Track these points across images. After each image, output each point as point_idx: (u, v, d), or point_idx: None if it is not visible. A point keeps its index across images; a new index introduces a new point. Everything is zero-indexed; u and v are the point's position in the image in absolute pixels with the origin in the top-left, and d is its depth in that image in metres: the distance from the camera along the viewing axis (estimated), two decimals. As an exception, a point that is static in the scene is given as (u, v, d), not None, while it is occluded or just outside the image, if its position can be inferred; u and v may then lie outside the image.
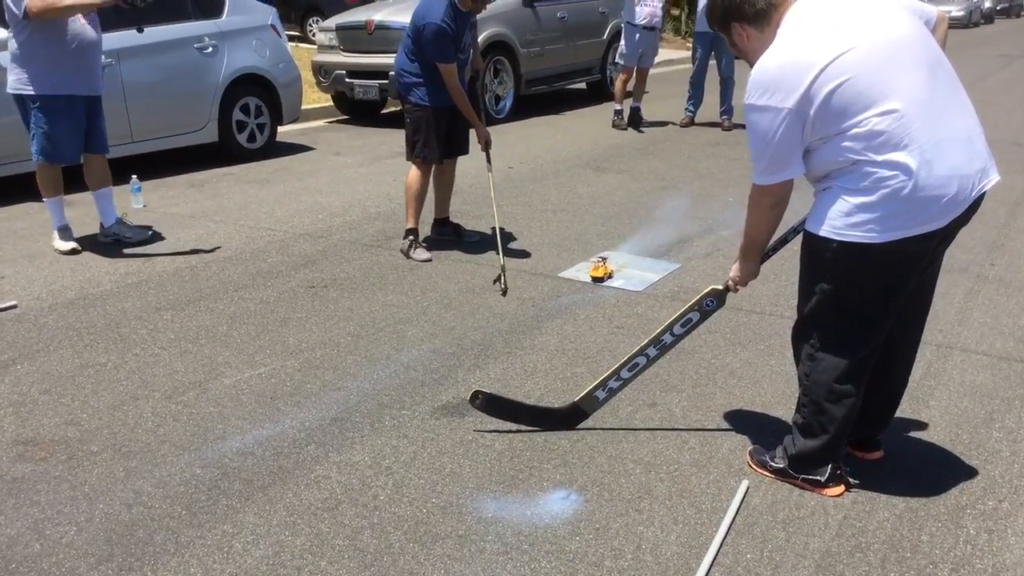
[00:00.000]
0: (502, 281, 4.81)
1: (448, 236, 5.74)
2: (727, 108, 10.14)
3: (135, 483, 2.95)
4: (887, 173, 2.44)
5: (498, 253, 5.08)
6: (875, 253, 2.53)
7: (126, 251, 5.47)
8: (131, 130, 7.27)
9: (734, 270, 3.02)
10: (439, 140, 5.26)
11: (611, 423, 3.38)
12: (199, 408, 3.46)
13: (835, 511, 2.83)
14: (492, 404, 3.32)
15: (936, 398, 3.61)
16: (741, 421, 3.41)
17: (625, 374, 3.31)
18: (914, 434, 3.32)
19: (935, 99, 2.47)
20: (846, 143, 2.47)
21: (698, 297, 3.17)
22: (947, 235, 2.63)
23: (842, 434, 2.84)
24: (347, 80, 10.08)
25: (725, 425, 3.38)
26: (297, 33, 17.83)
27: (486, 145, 5.37)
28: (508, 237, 5.75)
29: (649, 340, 3.25)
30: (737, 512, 2.81)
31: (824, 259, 2.64)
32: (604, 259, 5.07)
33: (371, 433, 3.28)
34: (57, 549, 2.61)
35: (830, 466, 2.89)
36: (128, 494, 2.88)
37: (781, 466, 2.99)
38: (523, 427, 3.32)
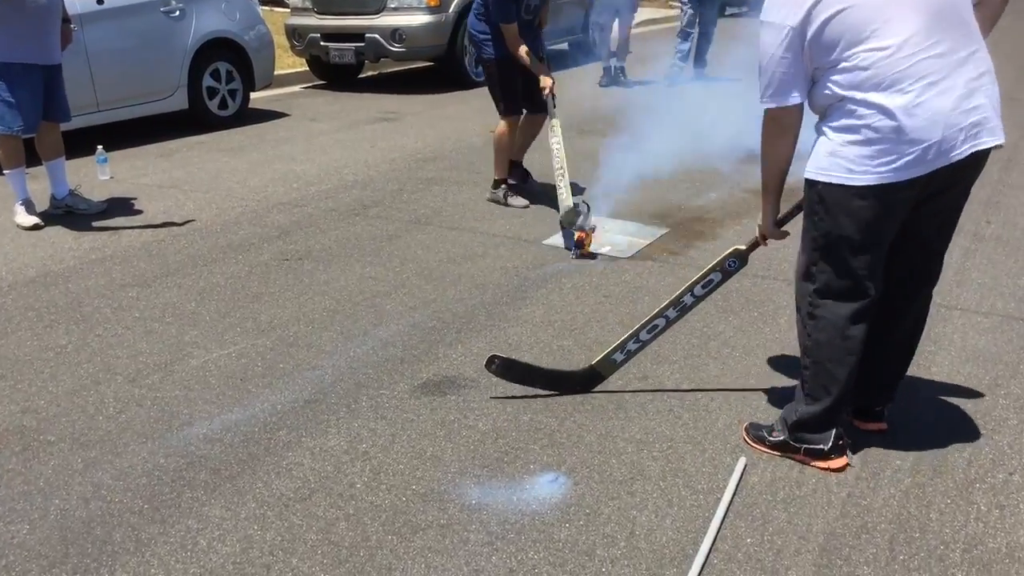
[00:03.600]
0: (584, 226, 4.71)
1: (515, 180, 5.77)
2: (702, 61, 10.22)
3: (94, 475, 2.76)
4: (866, 112, 2.41)
5: (570, 201, 4.91)
6: (853, 195, 2.49)
7: (94, 224, 5.24)
8: (97, 98, 6.98)
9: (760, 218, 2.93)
10: (517, 92, 5.41)
11: (600, 399, 3.21)
12: (164, 392, 3.27)
13: (838, 488, 2.68)
14: (507, 368, 3.19)
15: (938, 364, 3.46)
16: (736, 393, 3.25)
17: (644, 336, 3.23)
18: (917, 403, 3.16)
19: (934, 45, 2.38)
20: (834, 77, 2.44)
21: (720, 257, 3.08)
22: (940, 189, 2.52)
23: (844, 396, 2.72)
24: (322, 44, 9.79)
25: (719, 398, 3.22)
26: (271, -4, 17.34)
27: (550, 92, 5.35)
28: (501, 205, 5.54)
29: (669, 302, 3.17)
30: (735, 492, 2.65)
31: (811, 201, 2.62)
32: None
33: (347, 415, 3.10)
34: (7, 550, 2.43)
35: (833, 433, 2.76)
36: (86, 487, 2.70)
37: (781, 439, 2.84)
38: (508, 406, 3.14)
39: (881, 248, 2.60)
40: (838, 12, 2.38)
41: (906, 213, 2.56)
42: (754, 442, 2.90)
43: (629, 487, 2.69)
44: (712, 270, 3.10)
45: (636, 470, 2.77)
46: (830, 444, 2.76)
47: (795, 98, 2.52)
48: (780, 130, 2.59)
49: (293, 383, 3.33)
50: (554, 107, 5.39)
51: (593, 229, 4.71)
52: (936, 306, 3.92)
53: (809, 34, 2.42)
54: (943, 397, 3.22)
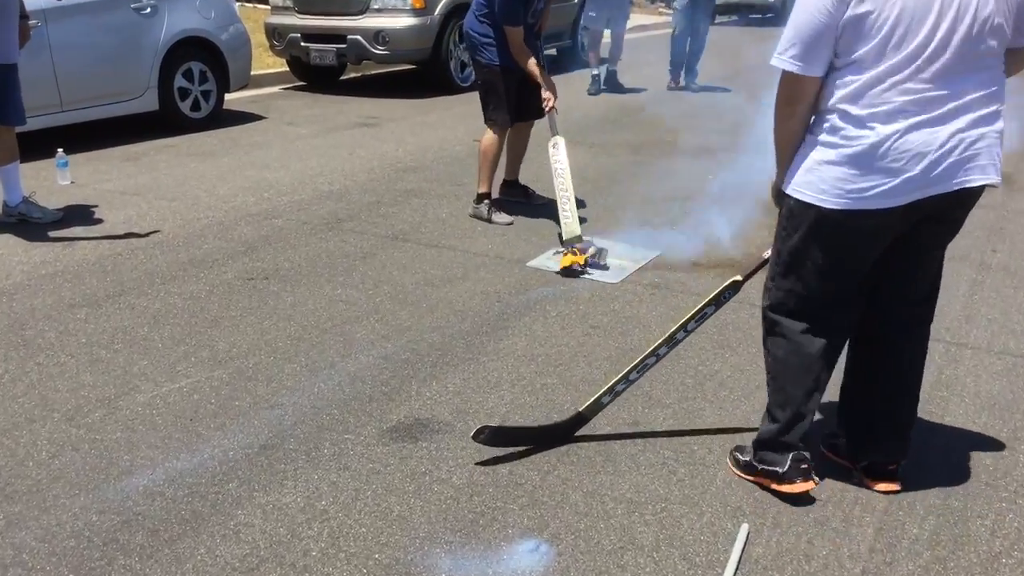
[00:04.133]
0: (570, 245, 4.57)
1: (517, 198, 5.57)
2: (693, 72, 10.06)
3: (16, 535, 2.44)
4: (851, 132, 2.30)
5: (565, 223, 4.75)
6: (825, 218, 2.39)
7: (50, 233, 4.92)
8: (60, 98, 6.64)
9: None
10: (510, 102, 5.12)
11: (587, 448, 2.92)
12: (105, 433, 2.95)
13: (851, 564, 2.40)
14: (497, 436, 2.88)
15: (951, 412, 3.19)
16: (735, 443, 2.96)
17: (634, 376, 2.99)
18: (931, 457, 2.89)
19: (943, 71, 2.24)
20: (835, 80, 2.33)
21: (717, 291, 2.86)
22: (921, 221, 2.41)
23: (800, 417, 2.60)
24: (302, 44, 9.47)
25: (717, 448, 2.94)
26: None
27: (552, 107, 5.11)
28: (480, 222, 5.24)
29: (662, 340, 2.94)
30: (737, 567, 2.37)
31: (783, 214, 2.54)
32: (575, 247, 4.59)
33: (306, 465, 2.80)
34: (-95, 631, 2.11)
35: (791, 455, 2.61)
36: (6, 551, 2.38)
37: (747, 459, 2.75)
38: (485, 454, 2.85)
39: (849, 277, 2.51)
40: (871, 12, 2.22)
41: (884, 244, 2.46)
42: (731, 464, 2.83)
43: (619, 559, 2.40)
44: (707, 305, 2.87)
45: (627, 538, 2.48)
46: (787, 466, 2.61)
47: (814, 69, 2.32)
48: (787, 97, 2.40)
49: (248, 424, 3.02)
50: (556, 123, 5.12)
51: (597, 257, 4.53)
52: (945, 344, 3.68)
53: (847, 14, 2.23)
54: (959, 451, 2.95)
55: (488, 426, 2.85)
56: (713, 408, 3.21)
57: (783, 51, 2.34)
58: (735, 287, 2.85)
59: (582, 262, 4.44)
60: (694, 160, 6.66)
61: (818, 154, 2.37)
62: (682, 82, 10.05)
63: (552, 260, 4.63)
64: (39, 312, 3.89)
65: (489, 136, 5.21)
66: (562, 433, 2.95)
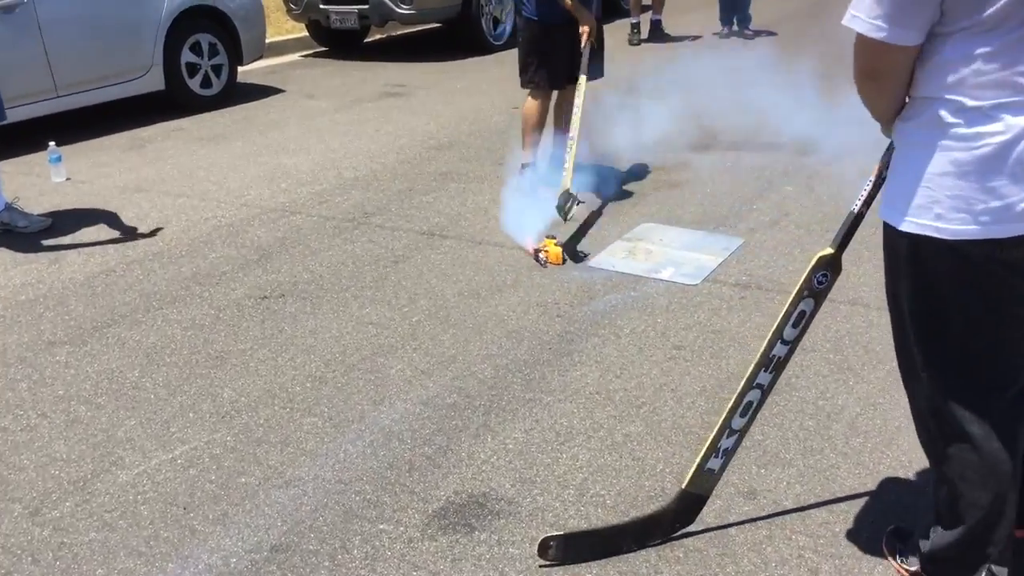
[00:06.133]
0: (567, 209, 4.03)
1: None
2: (744, 17, 9.12)
3: None
4: (972, 128, 1.59)
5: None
6: (945, 252, 1.68)
7: (43, 241, 4.29)
8: (55, 82, 5.97)
9: None
10: (551, 63, 4.50)
11: (695, 539, 2.23)
12: (74, 534, 2.31)
13: None
14: (570, 547, 2.18)
15: None
16: (887, 518, 2.26)
17: (737, 423, 2.18)
18: None
19: None
20: (940, 54, 1.60)
21: (805, 274, 2.04)
22: None
23: (992, 525, 1.86)
24: (321, 7, 8.71)
25: (866, 530, 2.23)
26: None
27: (587, 41, 4.40)
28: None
29: (756, 363, 2.14)
30: None
31: (890, 252, 1.83)
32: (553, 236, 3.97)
33: (331, 575, 2.14)
34: None
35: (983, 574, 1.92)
36: None
37: (914, 569, 2.05)
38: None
39: (1006, 324, 1.75)
40: None
41: None
42: (889, 554, 2.14)
43: None
44: (799, 297, 2.06)
45: None
46: None
47: (909, 36, 1.58)
48: (871, 72, 1.68)
49: (257, 512, 2.36)
50: (587, 62, 4.40)
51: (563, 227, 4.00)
52: None
53: None
54: None
55: (555, 536, 2.16)
56: (848, 463, 2.50)
57: (862, 8, 1.60)
58: (830, 264, 2.03)
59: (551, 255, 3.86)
60: (761, 121, 5.85)
61: (926, 167, 1.66)
62: (735, 27, 9.16)
63: (618, 256, 3.92)
64: (12, 353, 3.26)
65: (529, 102, 4.62)
66: (667, 524, 2.24)
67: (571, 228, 4.21)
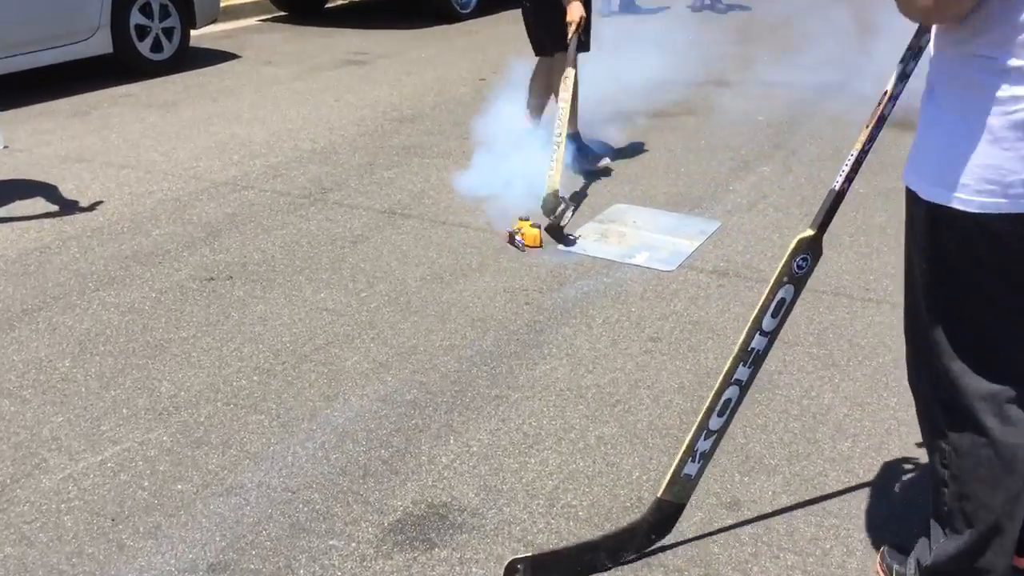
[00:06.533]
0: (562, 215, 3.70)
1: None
2: None
3: None
4: (1012, 89, 1.45)
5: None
6: (971, 227, 1.55)
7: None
8: (-8, 42, 5.62)
9: None
10: (540, 30, 4.38)
11: (673, 556, 2.05)
12: (-13, 550, 2.08)
13: None
14: (539, 570, 1.98)
15: None
16: (878, 530, 2.10)
17: (715, 423, 1.99)
18: None
19: None
20: (1003, 11, 1.42)
21: (784, 260, 1.86)
22: None
23: (1002, 529, 1.71)
24: (280, -31, 8.37)
25: (860, 546, 2.07)
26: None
27: (576, 30, 4.14)
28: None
29: (734, 357, 1.95)
30: None
31: (909, 218, 1.70)
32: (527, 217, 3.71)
33: (273, 601, 1.93)
34: None
35: None
36: None
37: None
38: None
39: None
40: None
41: None
42: (886, 575, 1.96)
43: None
44: (778, 284, 1.89)
45: None
46: None
47: None
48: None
49: (193, 525, 2.14)
50: (576, 51, 4.14)
51: (563, 227, 3.68)
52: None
53: None
54: None
55: (523, 558, 1.96)
56: (837, 471, 2.33)
57: None
58: (810, 246, 1.87)
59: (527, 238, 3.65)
60: (737, 99, 5.67)
61: (955, 132, 1.54)
62: (707, 0, 8.97)
63: (589, 238, 3.72)
64: (-69, 339, 2.99)
65: (537, 63, 4.54)
66: (641, 537, 2.06)
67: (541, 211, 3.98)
